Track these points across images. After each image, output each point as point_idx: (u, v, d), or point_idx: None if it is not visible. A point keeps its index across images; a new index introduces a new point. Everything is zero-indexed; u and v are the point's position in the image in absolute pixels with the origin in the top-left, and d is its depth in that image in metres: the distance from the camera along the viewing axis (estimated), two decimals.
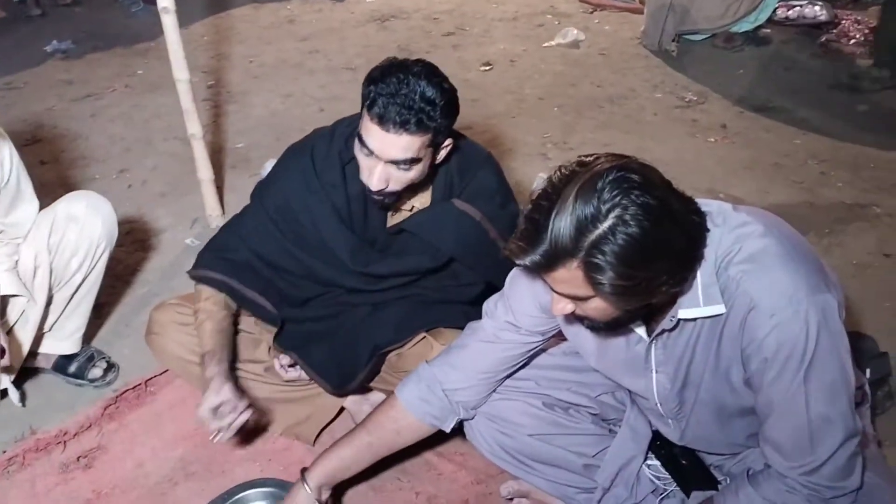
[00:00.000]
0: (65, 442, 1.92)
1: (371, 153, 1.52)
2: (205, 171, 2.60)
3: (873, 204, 2.77)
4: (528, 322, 1.45)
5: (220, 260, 1.78)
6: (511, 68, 3.90)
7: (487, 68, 3.89)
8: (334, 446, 1.54)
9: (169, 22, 2.32)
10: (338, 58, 3.99)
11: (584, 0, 4.80)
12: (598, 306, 1.17)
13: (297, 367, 1.83)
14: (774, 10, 4.09)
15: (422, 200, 1.72)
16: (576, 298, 1.17)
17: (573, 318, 1.25)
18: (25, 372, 2.01)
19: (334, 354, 1.76)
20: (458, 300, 1.77)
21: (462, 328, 1.72)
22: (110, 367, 2.10)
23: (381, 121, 1.48)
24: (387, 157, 1.52)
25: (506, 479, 1.68)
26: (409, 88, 1.48)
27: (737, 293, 1.18)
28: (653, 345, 1.32)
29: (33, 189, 1.90)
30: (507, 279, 1.49)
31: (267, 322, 1.83)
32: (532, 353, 1.52)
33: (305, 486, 1.49)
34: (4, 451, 1.87)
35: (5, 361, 1.80)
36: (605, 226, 1.07)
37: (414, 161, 1.54)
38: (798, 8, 4.24)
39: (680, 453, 1.51)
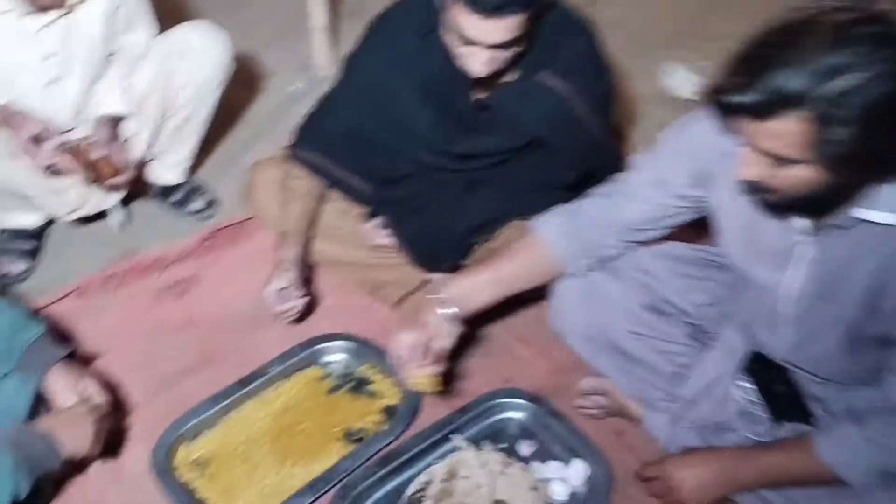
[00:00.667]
0: (162, 268, 1.98)
1: (470, 42, 1.43)
2: (318, 17, 2.52)
3: None
4: (676, 183, 1.35)
5: (315, 138, 1.75)
6: None
7: None
8: (467, 271, 1.51)
9: None
10: None
11: None
12: (798, 174, 1.04)
13: (387, 233, 1.82)
14: None
15: (510, 73, 1.60)
16: (777, 159, 1.04)
17: (746, 186, 1.13)
18: (129, 196, 2.06)
19: (425, 234, 1.74)
20: (552, 185, 1.68)
21: None
22: (211, 201, 2.14)
23: (477, 8, 1.37)
24: (489, 42, 1.42)
25: (585, 374, 1.65)
26: None
27: None
28: (812, 240, 1.20)
29: (152, 14, 1.88)
30: (665, 134, 1.38)
31: (359, 202, 1.82)
32: (669, 221, 1.42)
33: (438, 297, 1.41)
34: (105, 269, 1.95)
35: (124, 177, 1.84)
36: (853, 78, 0.95)
37: (518, 39, 1.44)
38: None
39: (776, 378, 1.42)
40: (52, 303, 1.87)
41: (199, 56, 1.89)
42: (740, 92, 1.00)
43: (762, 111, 0.99)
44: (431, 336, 1.40)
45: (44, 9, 1.68)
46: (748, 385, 1.46)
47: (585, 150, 1.65)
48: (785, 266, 1.24)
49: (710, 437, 1.47)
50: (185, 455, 1.57)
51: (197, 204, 2.12)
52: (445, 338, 1.41)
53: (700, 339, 1.51)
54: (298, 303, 1.70)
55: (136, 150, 1.94)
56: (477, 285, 1.43)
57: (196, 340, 1.83)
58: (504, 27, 1.40)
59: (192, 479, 1.53)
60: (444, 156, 1.66)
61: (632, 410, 1.59)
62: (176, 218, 2.11)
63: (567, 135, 1.62)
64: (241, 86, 2.50)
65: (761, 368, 1.44)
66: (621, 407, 1.60)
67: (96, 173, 1.82)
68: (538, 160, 1.67)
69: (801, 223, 1.19)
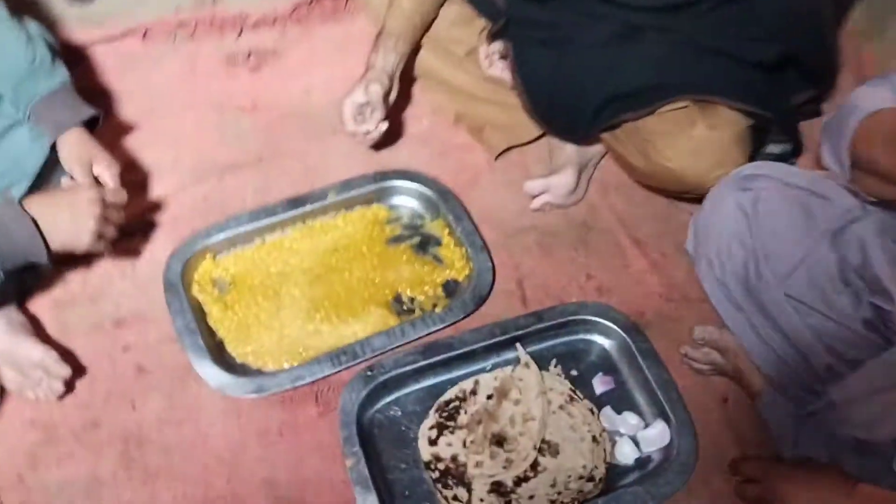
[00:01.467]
0: (241, 28, 1.66)
1: None
2: None
3: None
4: None
5: None
6: None
7: None
8: None
9: None
10: None
11: None
12: None
13: (505, 66, 1.43)
14: None
15: None
16: None
17: None
18: None
19: (554, 82, 1.34)
20: (742, 58, 1.24)
21: (741, 103, 1.22)
22: None
23: None
24: None
25: (703, 315, 1.27)
26: None
27: None
28: None
29: None
30: None
31: (486, 14, 1.42)
32: None
33: None
34: (178, 13, 1.63)
35: None
36: None
37: None
38: None
39: None
40: (110, 40, 1.60)
41: None
42: None
43: None
44: None
45: None
46: None
47: (790, 15, 1.24)
48: None
49: (842, 453, 1.11)
50: (207, 269, 1.33)
51: None
52: None
53: (880, 330, 1.10)
54: (376, 130, 1.36)
55: None
56: None
57: (254, 130, 1.55)
58: None
59: (207, 300, 1.30)
60: None
61: (751, 380, 1.22)
62: None
63: None
64: None
65: None
66: (738, 372, 1.23)
67: None
68: (727, 18, 1.22)
69: None
